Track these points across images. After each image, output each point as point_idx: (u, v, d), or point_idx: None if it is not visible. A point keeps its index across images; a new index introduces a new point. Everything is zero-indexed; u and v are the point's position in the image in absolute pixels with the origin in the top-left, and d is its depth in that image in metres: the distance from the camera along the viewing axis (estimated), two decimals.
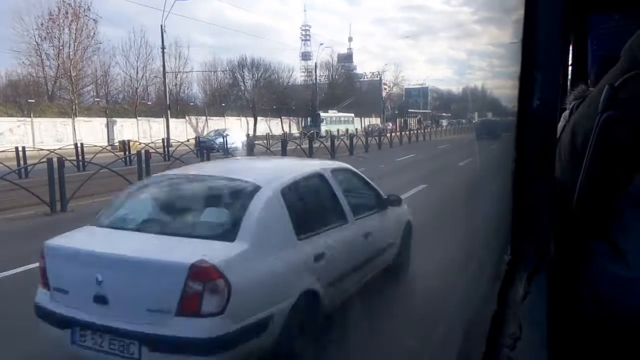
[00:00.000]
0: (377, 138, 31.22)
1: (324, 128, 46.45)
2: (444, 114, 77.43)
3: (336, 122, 52.10)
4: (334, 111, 55.62)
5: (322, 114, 51.08)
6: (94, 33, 40.73)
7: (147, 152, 12.77)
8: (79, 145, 22.62)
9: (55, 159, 10.15)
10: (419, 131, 44.51)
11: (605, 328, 0.55)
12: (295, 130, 52.93)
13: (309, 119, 52.23)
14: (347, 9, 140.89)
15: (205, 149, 20.03)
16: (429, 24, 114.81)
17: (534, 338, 0.53)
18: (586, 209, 0.58)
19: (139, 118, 41.14)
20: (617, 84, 0.58)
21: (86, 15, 39.99)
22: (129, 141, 27.61)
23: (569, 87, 2.58)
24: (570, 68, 3.20)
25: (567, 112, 1.73)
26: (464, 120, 65.99)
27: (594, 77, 2.53)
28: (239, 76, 56.06)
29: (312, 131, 38.68)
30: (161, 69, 38.46)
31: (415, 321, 4.02)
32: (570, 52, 3.12)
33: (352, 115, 58.30)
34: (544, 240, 0.58)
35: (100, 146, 24.39)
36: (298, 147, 21.14)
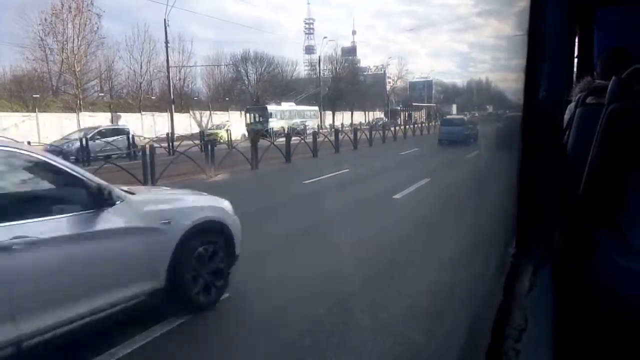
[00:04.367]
0: (381, 132, 31.16)
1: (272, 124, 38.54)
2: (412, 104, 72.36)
3: (290, 116, 42.38)
4: (291, 103, 46.09)
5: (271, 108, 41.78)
6: (98, 28, 40.66)
7: (151, 147, 12.79)
8: (83, 140, 22.68)
9: (60, 155, 10.18)
10: (423, 124, 44.30)
11: (611, 319, 0.55)
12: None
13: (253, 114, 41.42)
14: (348, 1, 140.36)
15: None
16: (430, 17, 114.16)
17: (539, 330, 0.53)
18: (593, 200, 0.58)
19: (143, 113, 41.13)
20: (624, 76, 0.57)
21: (89, 10, 39.92)
22: (133, 136, 27.69)
23: (574, 80, 2.57)
24: (576, 60, 3.18)
25: (572, 104, 1.72)
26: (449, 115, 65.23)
27: (599, 69, 2.52)
28: (242, 70, 55.99)
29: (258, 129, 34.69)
30: (165, 63, 38.44)
31: (421, 314, 4.03)
32: (577, 44, 3.10)
33: (316, 109, 49.56)
34: (550, 232, 0.58)
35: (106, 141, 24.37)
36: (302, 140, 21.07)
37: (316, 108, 49.78)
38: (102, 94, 44.53)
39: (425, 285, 4.69)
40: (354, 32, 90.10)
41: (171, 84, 39.34)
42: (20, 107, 35.65)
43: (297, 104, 47.39)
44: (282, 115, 41.69)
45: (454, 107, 76.54)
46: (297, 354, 3.63)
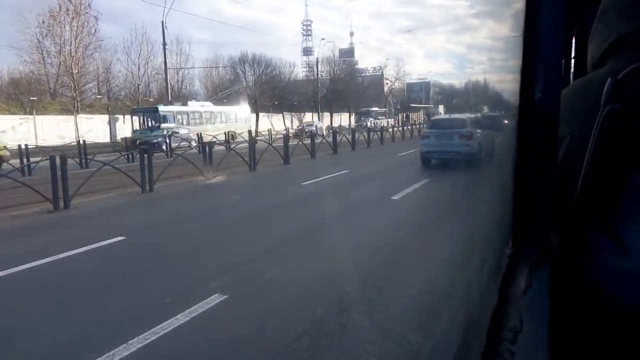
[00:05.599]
0: (379, 133, 31.19)
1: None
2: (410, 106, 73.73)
3: (200, 120, 32.24)
4: (205, 103, 35.84)
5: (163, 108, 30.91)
6: (95, 30, 40.80)
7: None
8: (81, 142, 22.68)
9: (57, 157, 10.16)
10: (421, 126, 44.32)
11: (608, 321, 0.55)
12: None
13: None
14: (345, 3, 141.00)
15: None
16: (426, 19, 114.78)
17: (535, 331, 0.53)
18: (589, 201, 0.58)
19: None
20: (620, 77, 0.58)
21: (87, 12, 40.05)
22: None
23: (571, 81, 2.58)
24: (573, 61, 3.19)
25: None
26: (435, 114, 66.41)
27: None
28: (240, 72, 56.06)
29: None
30: (162, 65, 38.52)
31: (417, 316, 4.03)
32: (573, 45, 3.10)
33: (247, 109, 38.82)
34: (546, 233, 0.58)
35: (103, 143, 24.34)
36: (300, 142, 21.07)
37: (246, 108, 38.67)
38: (100, 96, 44.54)
39: (423, 285, 4.69)
40: (351, 34, 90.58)
41: (169, 85, 39.39)
42: (18, 110, 35.66)
43: (214, 103, 38.17)
44: (185, 119, 31.59)
45: (441, 107, 77.93)
46: (295, 355, 3.62)
